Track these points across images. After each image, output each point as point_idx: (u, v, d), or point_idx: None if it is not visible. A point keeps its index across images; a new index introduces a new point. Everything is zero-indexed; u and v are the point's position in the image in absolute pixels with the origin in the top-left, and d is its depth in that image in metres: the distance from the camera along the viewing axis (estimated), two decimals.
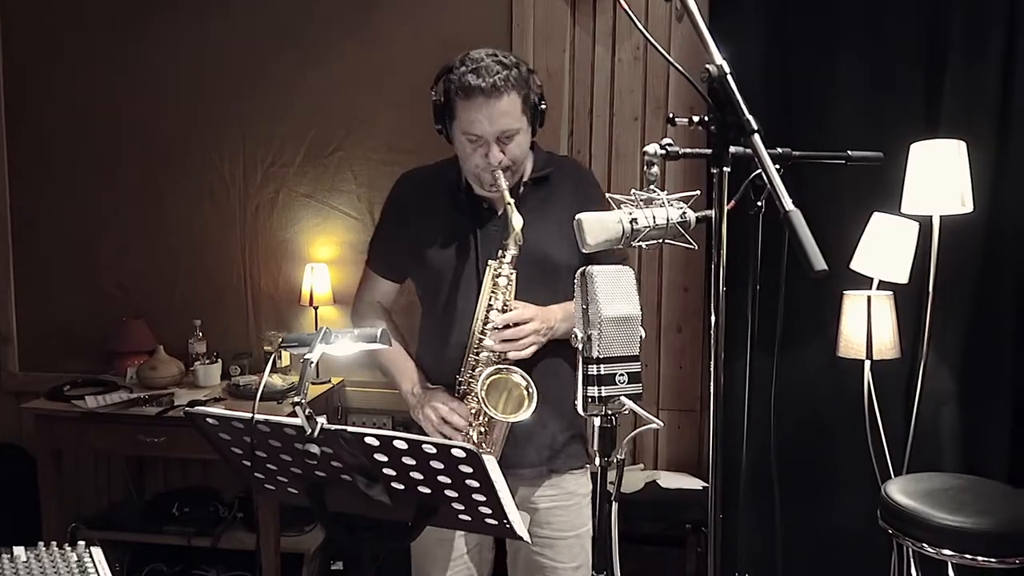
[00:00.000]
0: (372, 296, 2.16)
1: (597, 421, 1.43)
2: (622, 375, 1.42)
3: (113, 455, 3.66)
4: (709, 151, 1.30)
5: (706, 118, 1.16)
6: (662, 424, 1.41)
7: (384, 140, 3.41)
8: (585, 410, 1.41)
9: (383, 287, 2.15)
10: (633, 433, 1.45)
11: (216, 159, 3.56)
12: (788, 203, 1.05)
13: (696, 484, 3.09)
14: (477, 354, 1.91)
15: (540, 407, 1.88)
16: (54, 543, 1.87)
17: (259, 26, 3.46)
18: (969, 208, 2.57)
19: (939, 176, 2.54)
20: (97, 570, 1.66)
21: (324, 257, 3.49)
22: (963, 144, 2.57)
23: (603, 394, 1.40)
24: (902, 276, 2.67)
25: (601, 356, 1.40)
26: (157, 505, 3.42)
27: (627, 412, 1.42)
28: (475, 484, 1.39)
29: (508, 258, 1.89)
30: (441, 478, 1.40)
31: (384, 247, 2.14)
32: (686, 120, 1.19)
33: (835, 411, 2.92)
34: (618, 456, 1.44)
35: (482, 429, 1.90)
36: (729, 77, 1.13)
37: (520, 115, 1.88)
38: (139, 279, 3.65)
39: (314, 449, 1.35)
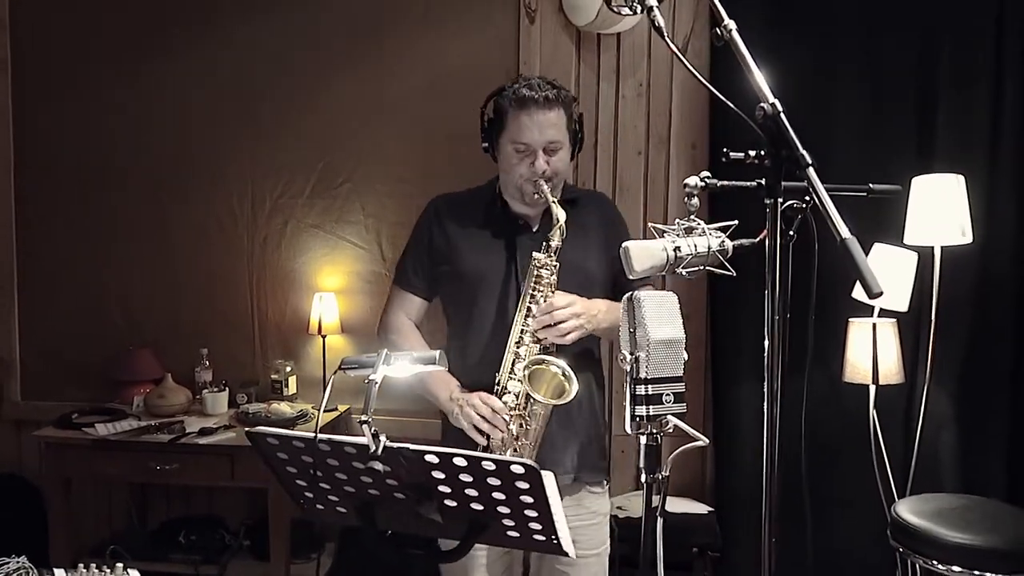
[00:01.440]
0: (399, 315, 2.21)
1: (643, 439, 1.50)
2: (668, 395, 1.49)
3: (118, 484, 3.65)
4: (748, 184, 1.40)
5: (762, 152, 1.24)
6: (707, 441, 1.48)
7: (393, 171, 3.48)
8: (634, 428, 1.48)
9: (412, 304, 2.20)
10: (679, 450, 1.51)
11: (225, 190, 3.61)
12: (845, 231, 1.13)
13: (701, 509, 3.15)
14: (518, 347, 1.97)
15: (573, 416, 1.96)
16: (93, 566, 1.90)
17: (268, 59, 3.53)
18: (969, 239, 2.69)
19: (940, 209, 2.66)
20: None
21: (332, 286, 3.54)
22: (962, 178, 2.70)
23: (651, 413, 1.46)
24: (902, 305, 2.78)
25: (649, 377, 1.47)
26: (163, 533, 3.42)
27: (671, 430, 1.49)
28: (529, 500, 1.44)
29: (552, 249, 1.97)
30: (496, 495, 1.45)
31: (414, 264, 2.20)
32: (741, 155, 1.27)
33: (836, 435, 3.00)
34: (663, 473, 1.51)
35: (521, 423, 1.94)
36: (782, 115, 1.22)
37: (565, 131, 2.02)
38: (146, 308, 3.67)
39: (379, 466, 1.40)
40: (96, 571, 1.91)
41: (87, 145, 3.67)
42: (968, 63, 2.92)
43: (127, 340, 3.62)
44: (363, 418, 1.40)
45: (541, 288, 1.97)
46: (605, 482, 2.17)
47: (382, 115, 3.48)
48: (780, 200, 1.25)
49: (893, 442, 2.93)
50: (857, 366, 2.78)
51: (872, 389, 2.82)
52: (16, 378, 3.77)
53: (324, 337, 3.47)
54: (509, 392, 1.95)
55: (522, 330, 1.97)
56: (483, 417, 1.93)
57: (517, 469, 1.40)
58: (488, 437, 1.95)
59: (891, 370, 2.75)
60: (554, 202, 1.98)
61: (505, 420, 1.93)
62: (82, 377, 3.67)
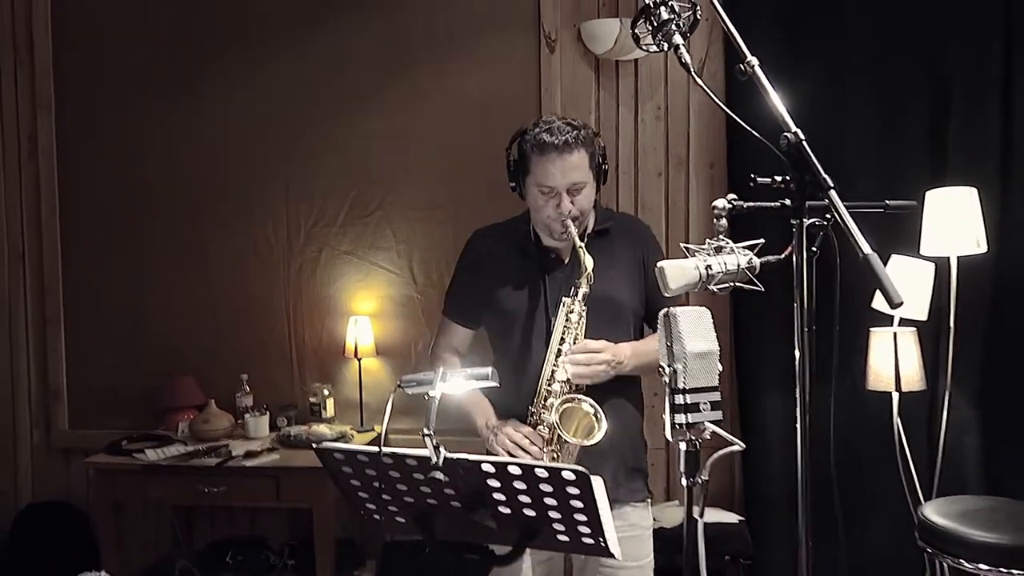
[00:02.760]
0: (448, 342, 2.33)
1: (683, 446, 1.60)
2: (705, 403, 1.60)
3: (166, 507, 3.76)
4: (772, 204, 1.50)
5: (786, 177, 1.35)
6: (743, 446, 1.58)
7: (422, 198, 3.62)
8: (673, 436, 1.58)
9: (459, 333, 2.33)
10: (717, 454, 1.61)
11: (261, 220, 3.75)
12: (866, 247, 1.24)
13: (732, 518, 3.23)
14: (550, 385, 2.08)
15: (616, 434, 2.05)
16: None
17: (301, 91, 3.68)
18: (984, 248, 2.79)
19: (955, 221, 2.77)
20: None
21: (366, 311, 3.66)
22: (975, 191, 2.80)
23: (689, 421, 1.57)
24: (921, 314, 2.87)
25: (687, 387, 1.58)
26: (210, 554, 3.53)
27: (709, 436, 1.60)
28: (579, 505, 1.55)
29: (580, 296, 2.08)
30: (548, 500, 1.56)
31: (459, 296, 2.32)
32: (768, 180, 1.38)
33: (862, 441, 3.09)
34: (702, 477, 1.62)
35: (555, 455, 2.04)
36: (805, 143, 1.33)
37: (587, 170, 2.11)
38: (187, 336, 3.80)
39: (440, 476, 1.51)
40: None
41: (127, 180, 3.81)
42: (978, 78, 3.03)
43: (169, 368, 3.74)
44: (425, 431, 1.51)
45: (570, 331, 2.08)
46: (647, 498, 2.25)
47: (410, 143, 3.62)
48: (805, 220, 1.35)
49: (917, 447, 3.02)
50: (880, 374, 2.87)
51: (895, 396, 2.91)
52: (64, 407, 3.90)
53: (360, 360, 3.58)
54: (543, 423, 2.07)
55: (553, 369, 2.08)
56: (515, 443, 2.05)
57: (568, 476, 1.50)
58: None
59: (913, 377, 2.84)
60: (581, 247, 2.07)
61: (539, 447, 2.04)
62: (125, 405, 3.80)
